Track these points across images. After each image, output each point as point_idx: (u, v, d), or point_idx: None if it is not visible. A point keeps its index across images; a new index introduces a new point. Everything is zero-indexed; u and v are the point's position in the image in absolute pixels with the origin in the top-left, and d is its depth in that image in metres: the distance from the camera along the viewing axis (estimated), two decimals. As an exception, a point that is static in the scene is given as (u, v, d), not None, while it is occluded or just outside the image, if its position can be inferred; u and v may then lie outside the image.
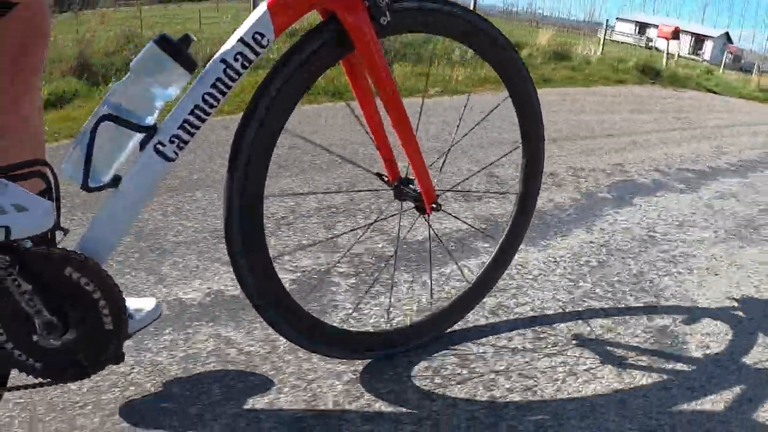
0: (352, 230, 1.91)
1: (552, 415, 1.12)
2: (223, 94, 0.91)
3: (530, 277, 1.70)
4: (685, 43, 42.85)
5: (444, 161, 2.07)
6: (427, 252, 1.77)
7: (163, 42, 0.87)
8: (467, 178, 2.58)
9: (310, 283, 1.54)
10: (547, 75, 6.93)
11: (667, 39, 11.84)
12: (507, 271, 1.57)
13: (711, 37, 45.98)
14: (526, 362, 1.28)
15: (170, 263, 1.58)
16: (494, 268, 1.41)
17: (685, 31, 44.59)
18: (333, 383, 1.16)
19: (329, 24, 0.99)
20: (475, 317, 1.44)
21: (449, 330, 1.37)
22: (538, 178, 1.38)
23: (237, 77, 0.92)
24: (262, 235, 1.03)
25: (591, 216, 2.32)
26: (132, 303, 0.99)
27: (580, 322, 1.47)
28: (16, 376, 0.93)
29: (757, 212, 2.70)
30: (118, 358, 0.89)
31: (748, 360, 1.38)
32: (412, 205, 1.24)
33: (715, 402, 1.21)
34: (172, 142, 0.89)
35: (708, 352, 1.40)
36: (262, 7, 0.92)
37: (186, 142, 0.90)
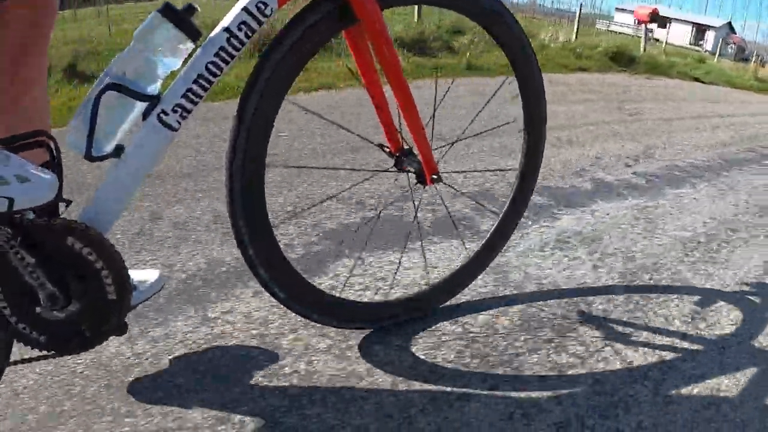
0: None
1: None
2: (227, 63, 0.90)
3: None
4: (686, 34, 42.70)
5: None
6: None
7: (166, 11, 0.86)
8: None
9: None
10: (489, 63, 5.63)
11: (645, 22, 11.25)
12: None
13: (713, 27, 45.78)
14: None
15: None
16: (491, 244, 1.42)
17: (685, 20, 44.43)
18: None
19: (332, -6, 0.97)
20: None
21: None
22: (539, 158, 1.40)
23: (240, 46, 0.90)
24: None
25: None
26: (135, 275, 0.98)
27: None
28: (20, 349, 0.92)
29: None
30: (121, 328, 0.89)
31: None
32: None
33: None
34: (175, 111, 0.88)
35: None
36: (266, -24, 0.91)
37: (189, 112, 0.89)
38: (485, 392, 1.10)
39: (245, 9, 0.90)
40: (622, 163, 2.91)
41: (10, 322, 0.84)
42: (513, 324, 1.33)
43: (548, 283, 1.53)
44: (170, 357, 1.11)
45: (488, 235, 1.41)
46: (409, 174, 1.24)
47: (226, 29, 0.90)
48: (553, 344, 1.27)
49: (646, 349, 1.28)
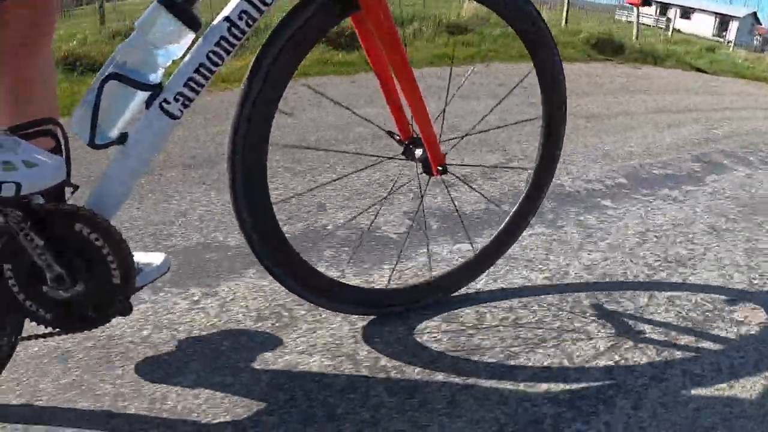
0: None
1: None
2: (228, 52, 0.92)
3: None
4: (708, 24, 41.84)
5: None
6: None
7: (167, 2, 0.88)
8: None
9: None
10: (431, 52, 4.85)
11: (636, 5, 10.83)
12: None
13: (736, 17, 44.72)
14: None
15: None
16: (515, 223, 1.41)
17: (708, 11, 43.47)
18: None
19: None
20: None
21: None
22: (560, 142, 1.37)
23: (241, 35, 0.92)
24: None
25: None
26: (141, 257, 1.01)
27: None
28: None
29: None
30: (125, 310, 0.92)
31: None
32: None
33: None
34: (176, 100, 0.90)
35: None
36: (266, -35, 0.92)
37: (191, 100, 0.91)
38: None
39: (245, -2, 0.92)
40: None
41: (19, 300, 0.87)
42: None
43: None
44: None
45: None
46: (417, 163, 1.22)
47: (227, 18, 0.91)
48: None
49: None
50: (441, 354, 1.18)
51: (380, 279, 1.44)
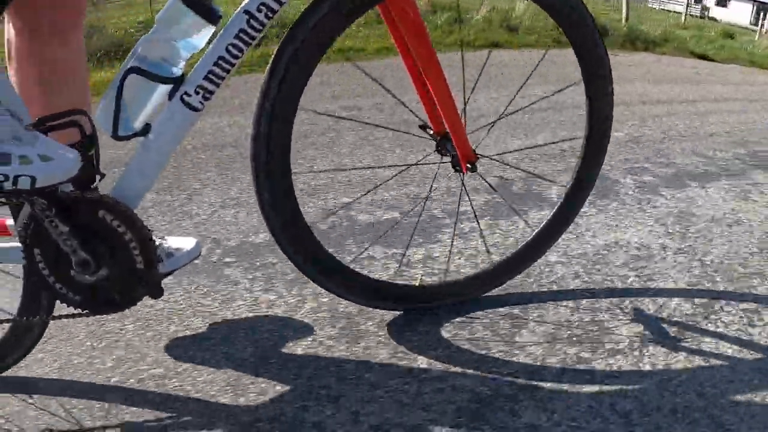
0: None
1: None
2: (247, 44, 0.93)
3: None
4: (746, 12, 40.43)
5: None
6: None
7: (186, -4, 0.89)
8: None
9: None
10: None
11: None
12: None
13: (774, 5, 43.10)
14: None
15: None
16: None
17: (745, -2, 41.98)
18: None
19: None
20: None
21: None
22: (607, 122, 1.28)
23: (261, 28, 0.93)
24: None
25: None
26: (172, 242, 1.05)
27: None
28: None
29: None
30: (155, 293, 0.95)
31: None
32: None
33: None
34: (197, 92, 0.92)
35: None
36: (285, -43, 0.93)
37: (212, 93, 0.93)
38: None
39: (264, -10, 0.93)
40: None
41: (49, 282, 0.92)
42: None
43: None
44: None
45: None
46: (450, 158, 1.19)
47: (246, 11, 0.92)
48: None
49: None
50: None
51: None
